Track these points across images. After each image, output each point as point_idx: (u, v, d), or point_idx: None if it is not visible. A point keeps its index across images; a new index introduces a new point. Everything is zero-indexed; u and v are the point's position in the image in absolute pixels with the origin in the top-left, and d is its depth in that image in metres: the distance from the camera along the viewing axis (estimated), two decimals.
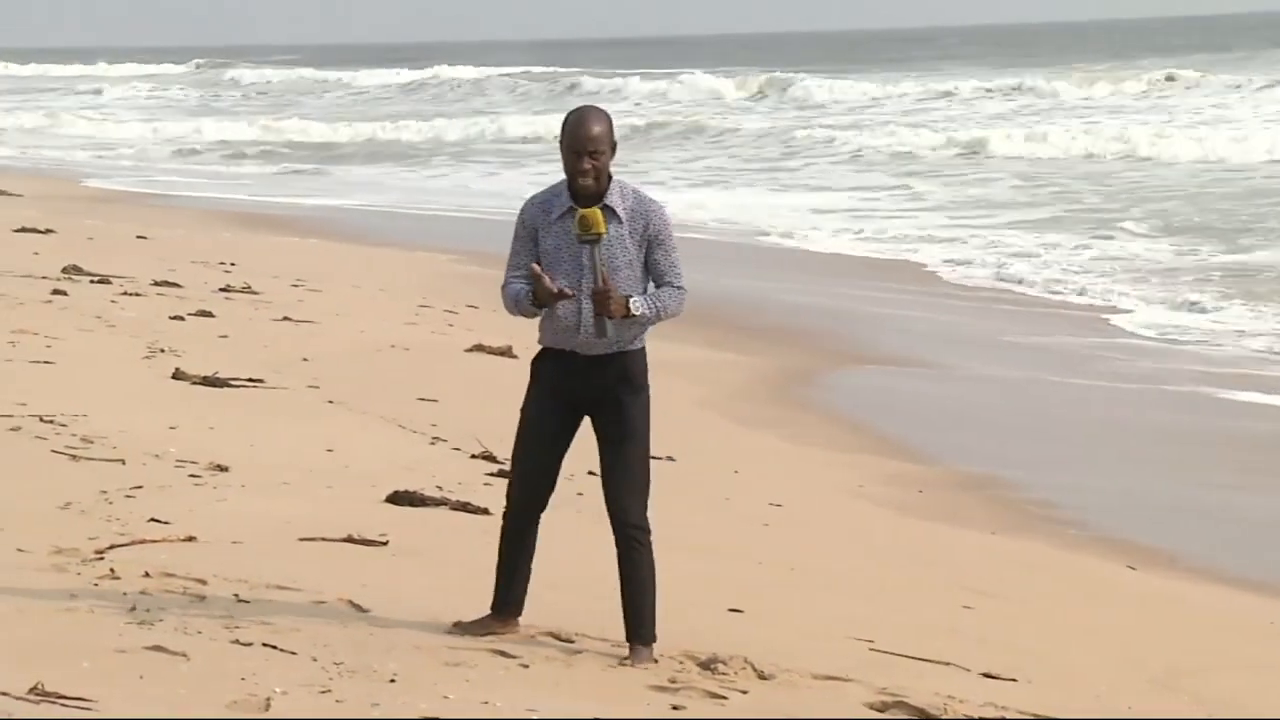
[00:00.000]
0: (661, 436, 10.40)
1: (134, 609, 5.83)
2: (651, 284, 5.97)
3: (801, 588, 7.63)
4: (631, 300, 5.84)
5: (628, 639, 6.00)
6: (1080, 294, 19.19)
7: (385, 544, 7.18)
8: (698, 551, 7.94)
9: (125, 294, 14.70)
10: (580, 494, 8.90)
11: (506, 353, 12.50)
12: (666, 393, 12.23)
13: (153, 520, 7.18)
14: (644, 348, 6.02)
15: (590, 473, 9.39)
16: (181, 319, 13.57)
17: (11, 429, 8.74)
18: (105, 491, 7.63)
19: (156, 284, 15.41)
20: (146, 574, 6.30)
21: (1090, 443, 12.01)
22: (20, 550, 6.52)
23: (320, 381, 11.38)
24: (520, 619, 6.13)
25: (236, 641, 5.61)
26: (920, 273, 21.34)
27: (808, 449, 11.14)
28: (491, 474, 8.77)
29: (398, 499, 8.02)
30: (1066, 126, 42.07)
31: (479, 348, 13.03)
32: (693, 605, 6.84)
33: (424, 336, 13.82)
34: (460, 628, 6.04)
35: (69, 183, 31.42)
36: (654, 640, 5.99)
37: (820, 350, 15.00)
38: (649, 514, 6.10)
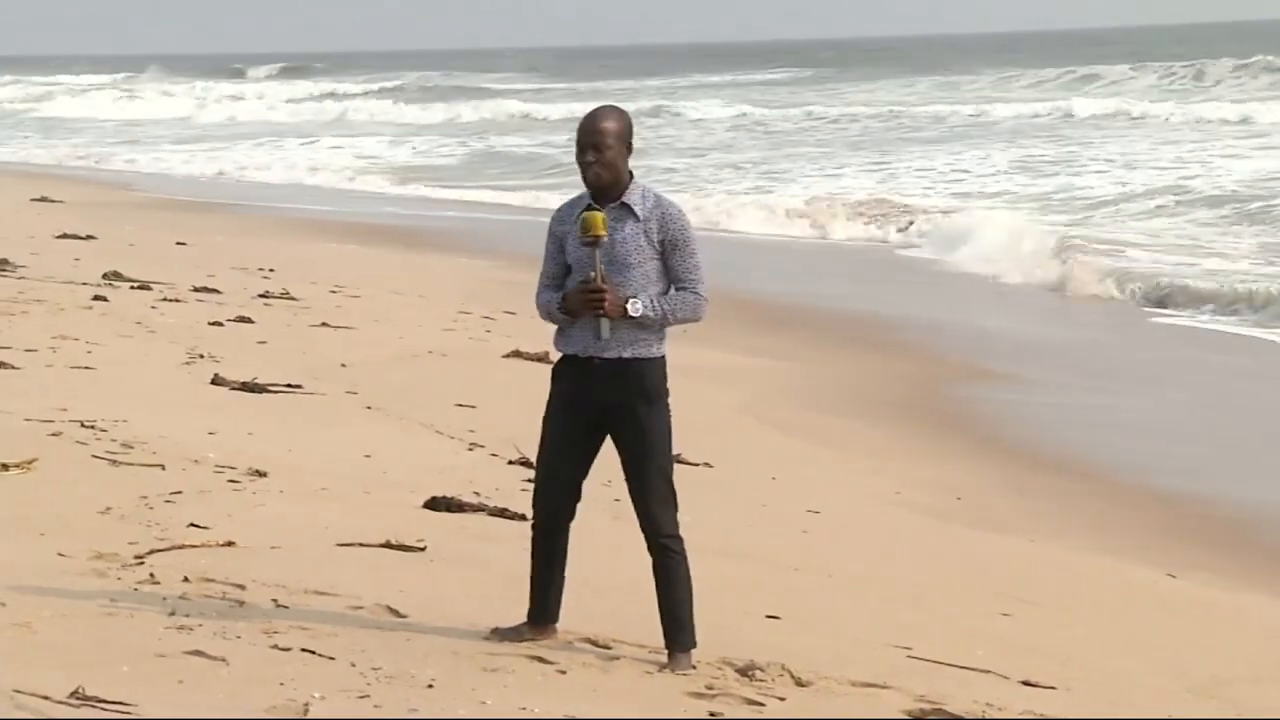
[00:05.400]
0: (699, 442, 10.45)
1: (173, 614, 5.85)
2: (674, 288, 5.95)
3: (839, 594, 7.61)
4: (630, 302, 5.83)
5: (666, 646, 5.99)
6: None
7: (423, 549, 7.19)
8: (735, 558, 7.92)
9: (165, 300, 14.78)
10: (617, 500, 8.89)
11: (544, 359, 12.51)
12: (704, 398, 12.29)
13: (192, 525, 7.20)
14: (662, 356, 5.96)
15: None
16: (220, 325, 13.64)
17: (52, 434, 8.79)
18: (145, 497, 7.66)
19: (196, 290, 15.50)
20: (186, 579, 6.32)
21: (1138, 450, 11.94)
22: (61, 555, 6.55)
23: (358, 387, 11.41)
24: (557, 625, 6.13)
25: (275, 646, 5.62)
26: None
27: (845, 456, 11.11)
28: (529, 480, 8.75)
29: (435, 504, 8.03)
30: None
31: (516, 354, 13.05)
32: (730, 612, 6.82)
33: (462, 342, 13.84)
34: (497, 634, 6.05)
35: (110, 189, 31.60)
36: (693, 646, 5.98)
37: (863, 356, 14.97)
38: (682, 519, 6.07)
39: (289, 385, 11.09)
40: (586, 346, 5.90)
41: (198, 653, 5.44)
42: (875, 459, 11.05)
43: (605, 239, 5.81)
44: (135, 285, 15.51)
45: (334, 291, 16.21)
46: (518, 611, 6.14)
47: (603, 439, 6.04)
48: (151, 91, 79.08)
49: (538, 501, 6.09)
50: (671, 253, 5.87)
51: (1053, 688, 6.41)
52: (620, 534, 8.19)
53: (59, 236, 19.55)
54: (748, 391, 12.98)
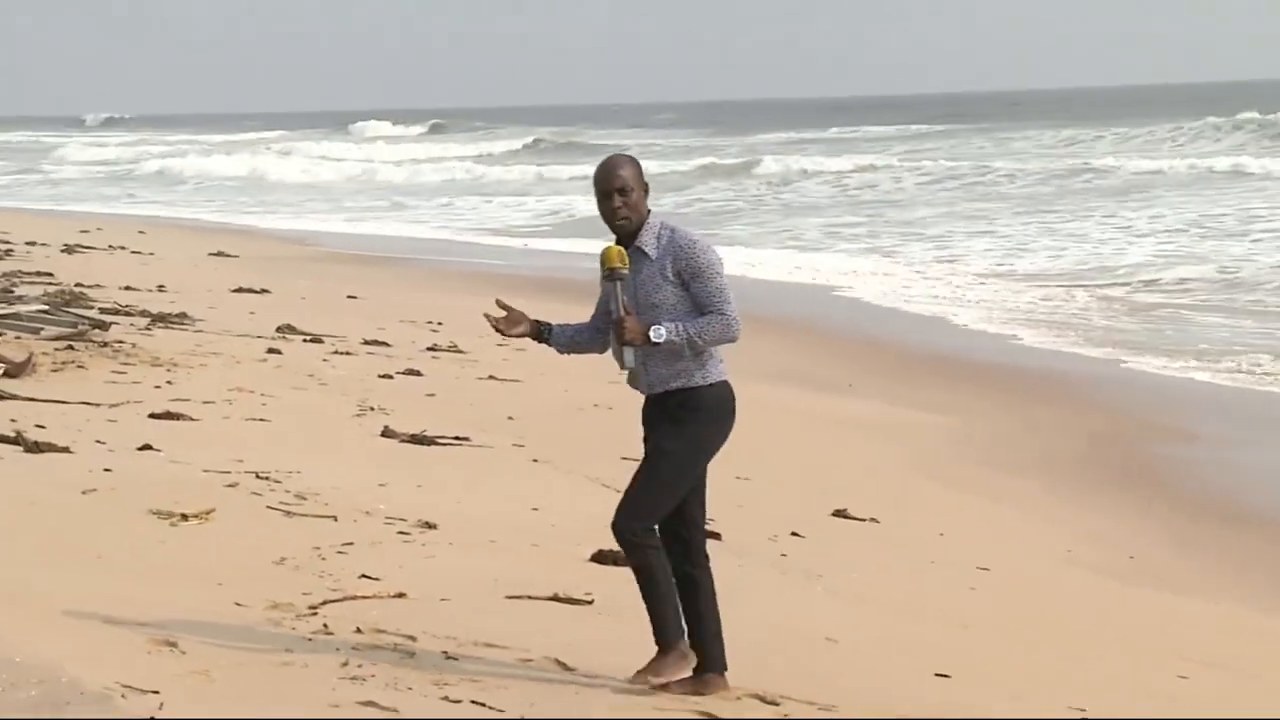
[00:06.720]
0: (866, 497, 10.38)
1: (346, 664, 5.92)
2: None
3: (1010, 653, 7.49)
4: (653, 329, 5.97)
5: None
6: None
7: (590, 603, 7.21)
8: (903, 614, 7.85)
9: (336, 353, 15.05)
10: (784, 555, 8.88)
11: None
12: (869, 453, 12.21)
13: (364, 576, 7.30)
14: (713, 384, 6.05)
15: (794, 533, 9.41)
16: (390, 377, 13.84)
17: (229, 485, 8.96)
18: (318, 547, 7.78)
19: (366, 343, 15.76)
20: (358, 629, 6.39)
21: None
22: (238, 604, 6.67)
23: (525, 440, 11.50)
24: (725, 676, 6.09)
25: (446, 698, 5.66)
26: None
27: (1013, 511, 10.96)
28: None
29: (602, 558, 8.05)
30: None
31: None
32: (899, 669, 6.76)
33: (627, 395, 13.74)
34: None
35: (283, 243, 32.28)
36: (668, 648, 5.98)
37: (1029, 410, 14.76)
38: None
39: (457, 437, 11.21)
40: (636, 382, 6.12)
41: (370, 703, 5.49)
42: (1045, 515, 10.89)
43: (623, 270, 6.00)
44: (307, 338, 15.81)
45: (500, 345, 16.36)
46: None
47: None
48: (307, 150, 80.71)
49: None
50: (692, 282, 6.01)
51: None
52: (787, 589, 8.17)
53: (234, 290, 20.01)
54: (913, 446, 12.86)
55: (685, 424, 6.03)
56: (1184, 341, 19.36)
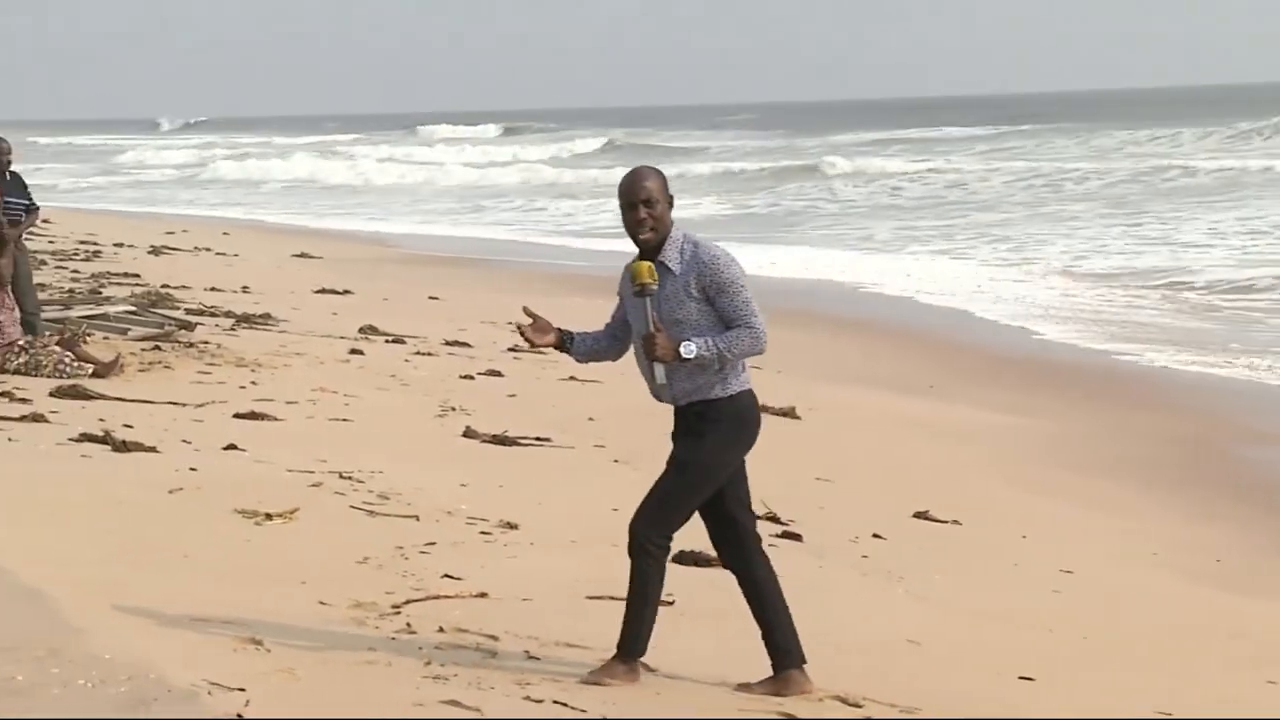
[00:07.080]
0: (947, 500, 10.33)
1: (429, 663, 5.96)
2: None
3: (1095, 657, 7.44)
4: (683, 345, 5.97)
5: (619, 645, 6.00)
6: None
7: (672, 603, 7.20)
8: (986, 617, 7.81)
9: (418, 353, 15.14)
10: (865, 556, 8.85)
11: (790, 414, 12.46)
12: (952, 456, 12.15)
13: (446, 576, 7.34)
14: (733, 396, 6.11)
15: (875, 535, 9.38)
16: (471, 378, 13.91)
17: (313, 485, 9.04)
18: (401, 547, 7.83)
19: (448, 344, 15.85)
20: (441, 629, 6.43)
21: None
22: (322, 603, 6.73)
23: (606, 440, 11.52)
24: (805, 671, 6.08)
25: (528, 698, 5.68)
26: None
27: (1097, 514, 10.88)
28: (776, 535, 8.77)
29: (683, 559, 8.04)
30: None
31: (763, 409, 13.00)
32: (983, 672, 6.73)
33: None
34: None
35: (365, 245, 32.50)
36: (631, 655, 5.96)
37: (1114, 413, 14.65)
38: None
39: (538, 438, 11.25)
40: (660, 395, 6.14)
41: (453, 702, 5.52)
42: (1129, 518, 10.79)
43: (653, 286, 6.01)
44: (390, 339, 15.93)
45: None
46: (763, 665, 6.14)
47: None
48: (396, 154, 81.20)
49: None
50: (717, 297, 6.00)
51: None
52: (867, 591, 8.15)
53: (317, 291, 20.18)
54: (993, 448, 12.78)
55: (704, 437, 6.07)
56: (1268, 344, 19.14)
